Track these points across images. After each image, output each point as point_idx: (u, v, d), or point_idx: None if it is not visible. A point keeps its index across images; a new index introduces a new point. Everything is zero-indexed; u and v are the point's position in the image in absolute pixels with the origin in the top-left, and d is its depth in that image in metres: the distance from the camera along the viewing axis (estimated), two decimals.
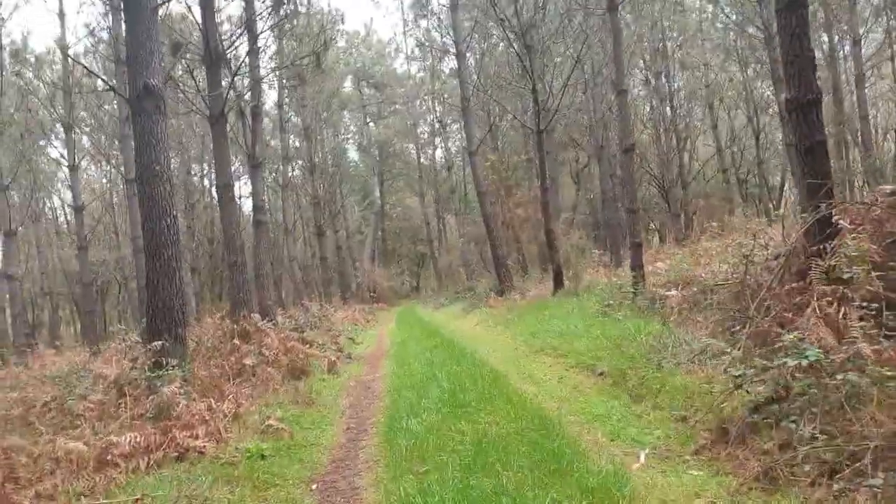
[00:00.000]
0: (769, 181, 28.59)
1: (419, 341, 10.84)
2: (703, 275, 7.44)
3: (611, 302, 8.72)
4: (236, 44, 12.30)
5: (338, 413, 6.40)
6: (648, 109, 27.36)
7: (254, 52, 13.90)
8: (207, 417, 4.99)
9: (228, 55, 12.02)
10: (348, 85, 39.69)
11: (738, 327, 5.37)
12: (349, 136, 42.20)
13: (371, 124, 41.97)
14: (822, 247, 4.65)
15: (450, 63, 33.44)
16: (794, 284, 4.52)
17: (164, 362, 6.65)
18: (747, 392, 3.68)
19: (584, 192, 31.27)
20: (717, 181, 23.51)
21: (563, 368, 6.78)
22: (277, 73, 15.74)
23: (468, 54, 18.24)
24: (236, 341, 8.76)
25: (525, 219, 16.48)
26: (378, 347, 12.21)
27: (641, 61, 24.07)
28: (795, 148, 5.06)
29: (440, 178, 35.74)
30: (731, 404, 3.87)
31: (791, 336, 3.73)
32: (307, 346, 10.34)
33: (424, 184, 37.60)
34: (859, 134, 20.53)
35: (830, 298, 4.47)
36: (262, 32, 12.58)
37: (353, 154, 44.74)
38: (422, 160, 38.85)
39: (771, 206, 26.26)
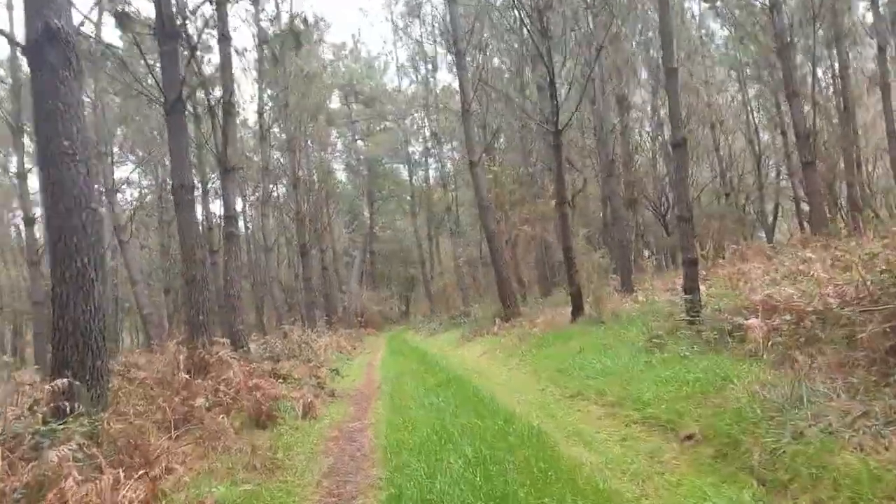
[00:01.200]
0: (765, 208, 27.44)
1: (418, 377, 8.96)
2: (795, 298, 5.71)
3: (660, 333, 6.95)
4: (198, 16, 10.53)
5: (310, 486, 4.54)
6: (649, 129, 26.33)
7: (225, 38, 12.22)
8: None
9: (190, 29, 10.22)
10: (336, 101, 38.26)
11: None
12: (337, 154, 40.66)
13: (360, 142, 40.45)
14: None
15: (443, 76, 32.15)
16: None
17: (71, 408, 4.80)
18: None
19: (579, 217, 29.85)
20: (724, 204, 22.10)
21: (621, 424, 4.97)
22: (254, 49, 13.98)
23: (468, 57, 16.65)
24: (184, 375, 6.85)
25: (531, 237, 14.74)
26: (367, 382, 10.30)
27: (645, 72, 22.93)
28: None
29: (434, 198, 34.11)
30: None
31: None
32: (280, 381, 8.45)
33: (416, 204, 35.92)
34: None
35: None
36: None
37: (341, 175, 43.17)
38: (414, 180, 37.28)
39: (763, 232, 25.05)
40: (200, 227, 13.85)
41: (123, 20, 9.01)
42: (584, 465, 3.95)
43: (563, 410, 5.67)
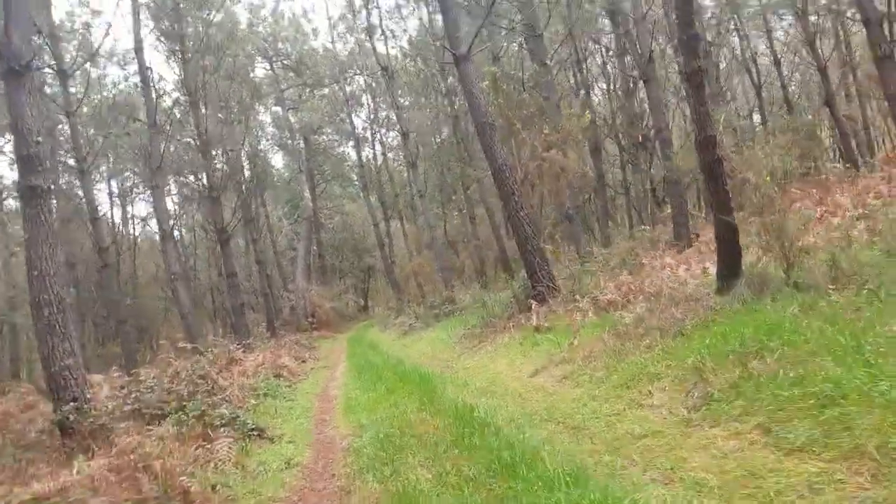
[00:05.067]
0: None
1: (437, 464, 3.38)
2: None
3: None
4: None
5: None
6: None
7: None
8: None
9: None
10: (259, 71, 31.60)
11: None
12: (268, 135, 34.18)
13: (290, 113, 33.83)
14: None
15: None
16: None
17: None
18: None
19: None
20: (790, 117, 17.10)
21: None
22: None
23: None
24: None
25: (561, 168, 9.24)
26: (317, 463, 4.66)
27: None
28: None
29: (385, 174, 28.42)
30: None
31: None
32: None
33: (367, 180, 30.09)
34: None
35: None
36: None
37: (277, 160, 36.82)
38: (363, 157, 31.27)
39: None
40: None
41: None
42: None
43: None
